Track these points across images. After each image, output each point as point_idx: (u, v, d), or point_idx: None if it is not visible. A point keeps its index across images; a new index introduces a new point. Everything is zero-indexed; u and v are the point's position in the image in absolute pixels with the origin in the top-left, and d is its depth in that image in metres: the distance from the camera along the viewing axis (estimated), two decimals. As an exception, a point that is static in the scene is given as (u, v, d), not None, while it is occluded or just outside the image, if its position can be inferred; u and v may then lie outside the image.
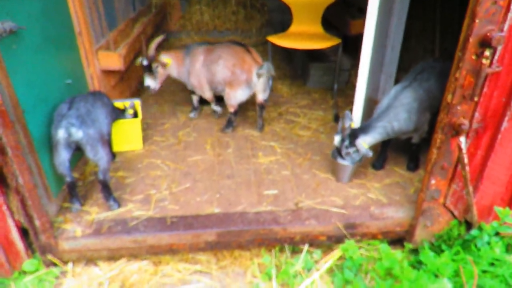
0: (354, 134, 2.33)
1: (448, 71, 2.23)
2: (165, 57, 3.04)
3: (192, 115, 3.39)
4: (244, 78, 2.90)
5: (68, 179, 2.15)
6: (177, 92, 3.90)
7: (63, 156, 2.06)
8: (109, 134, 2.40)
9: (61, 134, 2.00)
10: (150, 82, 3.04)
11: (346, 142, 2.34)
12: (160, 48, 4.76)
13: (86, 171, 2.59)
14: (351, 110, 2.64)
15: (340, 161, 2.44)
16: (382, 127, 2.33)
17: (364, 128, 2.35)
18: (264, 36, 5.44)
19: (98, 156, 2.13)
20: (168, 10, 5.38)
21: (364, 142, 2.32)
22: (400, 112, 2.32)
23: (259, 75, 2.88)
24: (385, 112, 2.34)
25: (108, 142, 2.30)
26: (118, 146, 2.84)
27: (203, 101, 3.50)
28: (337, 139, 2.39)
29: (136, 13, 3.86)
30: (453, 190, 1.95)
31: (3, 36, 1.69)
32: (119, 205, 2.27)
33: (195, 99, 3.36)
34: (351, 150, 2.36)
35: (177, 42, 5.44)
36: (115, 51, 2.92)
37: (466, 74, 1.62)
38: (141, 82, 3.64)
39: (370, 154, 2.29)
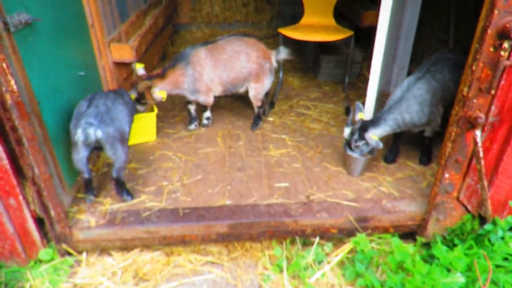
0: (364, 127, 2.31)
1: (463, 63, 2.21)
2: (158, 91, 2.66)
3: (192, 127, 3.07)
4: (268, 67, 2.88)
5: (85, 175, 2.17)
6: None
7: (81, 154, 2.08)
8: (129, 133, 2.36)
9: (79, 134, 2.02)
10: (142, 108, 2.79)
11: (356, 135, 2.32)
12: (169, 44, 4.79)
13: (100, 162, 2.61)
14: (363, 103, 2.62)
15: (351, 153, 2.43)
16: (393, 120, 2.31)
17: (374, 121, 2.33)
18: (274, 28, 5.41)
19: (116, 154, 2.14)
20: (178, 2, 5.37)
21: (374, 135, 2.30)
22: (412, 104, 2.30)
23: (278, 61, 2.87)
24: (397, 104, 2.32)
25: (127, 141, 2.29)
26: (133, 138, 2.83)
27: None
28: (346, 131, 2.37)
29: (147, 5, 3.86)
30: (467, 184, 1.93)
31: (18, 28, 1.71)
32: (133, 197, 2.29)
33: (192, 108, 3.05)
34: (360, 143, 2.34)
35: (187, 35, 5.43)
36: (127, 43, 2.93)
37: (483, 66, 1.59)
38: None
39: (381, 146, 2.27)
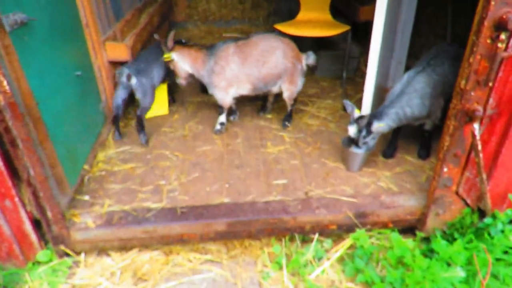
0: (369, 123, 2.29)
1: (462, 56, 2.19)
2: (172, 53, 2.83)
3: (231, 118, 3.15)
4: (300, 68, 2.86)
5: (114, 112, 2.82)
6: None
7: (118, 93, 2.79)
8: (158, 83, 2.97)
9: (122, 78, 2.68)
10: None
11: (364, 132, 2.31)
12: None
13: (96, 164, 2.60)
14: (360, 98, 2.60)
15: (351, 149, 2.42)
16: (394, 114, 2.29)
17: (376, 115, 2.31)
18: (271, 24, 5.35)
19: (144, 99, 2.78)
20: (174, 0, 5.33)
21: (379, 124, 2.30)
22: (413, 98, 2.28)
23: (308, 65, 2.88)
24: (397, 98, 2.30)
25: (154, 91, 2.90)
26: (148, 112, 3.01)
27: (204, 90, 3.36)
28: (352, 130, 2.34)
29: (142, 3, 3.83)
30: (466, 178, 1.92)
31: (14, 28, 1.69)
32: (147, 142, 2.81)
33: (233, 102, 3.03)
34: (368, 139, 2.33)
35: (184, 33, 5.40)
36: (122, 42, 2.91)
37: (481, 58, 1.58)
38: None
39: (385, 126, 2.29)
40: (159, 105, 3.20)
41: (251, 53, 2.74)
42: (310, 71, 4.11)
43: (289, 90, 2.91)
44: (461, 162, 1.88)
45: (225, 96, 2.85)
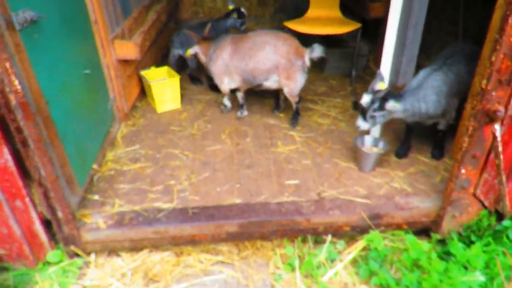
0: (386, 97, 2.19)
1: (478, 55, 2.14)
2: (193, 47, 3.19)
3: (238, 114, 3.19)
4: (299, 64, 2.78)
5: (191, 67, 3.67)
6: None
7: (174, 53, 3.64)
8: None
9: (173, 52, 3.62)
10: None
11: (376, 105, 2.19)
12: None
13: (105, 163, 2.57)
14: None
15: (364, 150, 2.37)
16: (410, 103, 2.23)
17: (396, 95, 2.23)
18: (278, 21, 5.32)
19: (191, 64, 3.57)
20: (180, -3, 5.29)
21: (395, 104, 2.20)
22: (429, 94, 2.23)
23: (312, 59, 2.78)
24: (414, 91, 2.25)
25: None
26: (159, 106, 3.23)
27: (213, 88, 3.54)
28: (366, 99, 2.23)
29: (149, 0, 3.79)
30: (484, 180, 1.88)
31: (24, 26, 1.66)
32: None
33: (239, 96, 3.16)
34: (377, 113, 2.22)
35: (190, 30, 5.36)
36: (131, 40, 2.88)
37: (504, 57, 1.53)
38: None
39: (400, 108, 2.20)
40: (172, 99, 3.26)
41: (242, 46, 2.86)
42: (319, 66, 4.06)
43: (287, 86, 2.86)
44: (480, 163, 1.83)
45: (220, 83, 3.07)
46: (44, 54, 1.86)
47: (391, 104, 2.18)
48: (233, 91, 3.15)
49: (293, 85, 2.84)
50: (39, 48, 1.81)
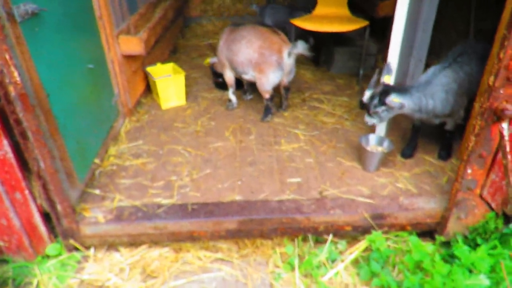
0: (385, 92, 2.12)
1: (489, 54, 2.08)
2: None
3: (244, 97, 3.39)
4: (274, 59, 2.76)
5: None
6: (198, 78, 3.84)
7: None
8: None
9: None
10: None
11: (375, 101, 2.14)
12: (180, 37, 4.77)
13: (107, 158, 2.57)
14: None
15: (369, 149, 2.33)
16: (417, 98, 2.16)
17: (398, 88, 2.16)
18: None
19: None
20: (189, -5, 5.29)
21: (395, 99, 2.12)
22: (437, 91, 2.17)
23: (290, 54, 2.76)
24: (422, 86, 2.19)
25: None
26: (164, 103, 3.22)
27: (217, 86, 3.56)
28: (367, 94, 2.19)
29: (157, -2, 3.79)
30: (492, 181, 1.82)
31: (25, 18, 1.66)
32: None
33: (244, 82, 3.33)
34: (379, 109, 2.15)
35: (198, 28, 5.36)
36: (136, 35, 2.88)
37: (512, 53, 1.48)
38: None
39: (405, 106, 2.11)
40: (176, 96, 3.26)
41: (230, 38, 2.98)
42: (327, 65, 4.02)
43: (258, 80, 2.88)
44: (487, 163, 1.78)
45: (222, 70, 3.17)
46: (45, 47, 1.86)
47: (391, 99, 2.11)
48: (239, 86, 3.25)
49: (264, 79, 2.83)
50: (40, 41, 1.81)
